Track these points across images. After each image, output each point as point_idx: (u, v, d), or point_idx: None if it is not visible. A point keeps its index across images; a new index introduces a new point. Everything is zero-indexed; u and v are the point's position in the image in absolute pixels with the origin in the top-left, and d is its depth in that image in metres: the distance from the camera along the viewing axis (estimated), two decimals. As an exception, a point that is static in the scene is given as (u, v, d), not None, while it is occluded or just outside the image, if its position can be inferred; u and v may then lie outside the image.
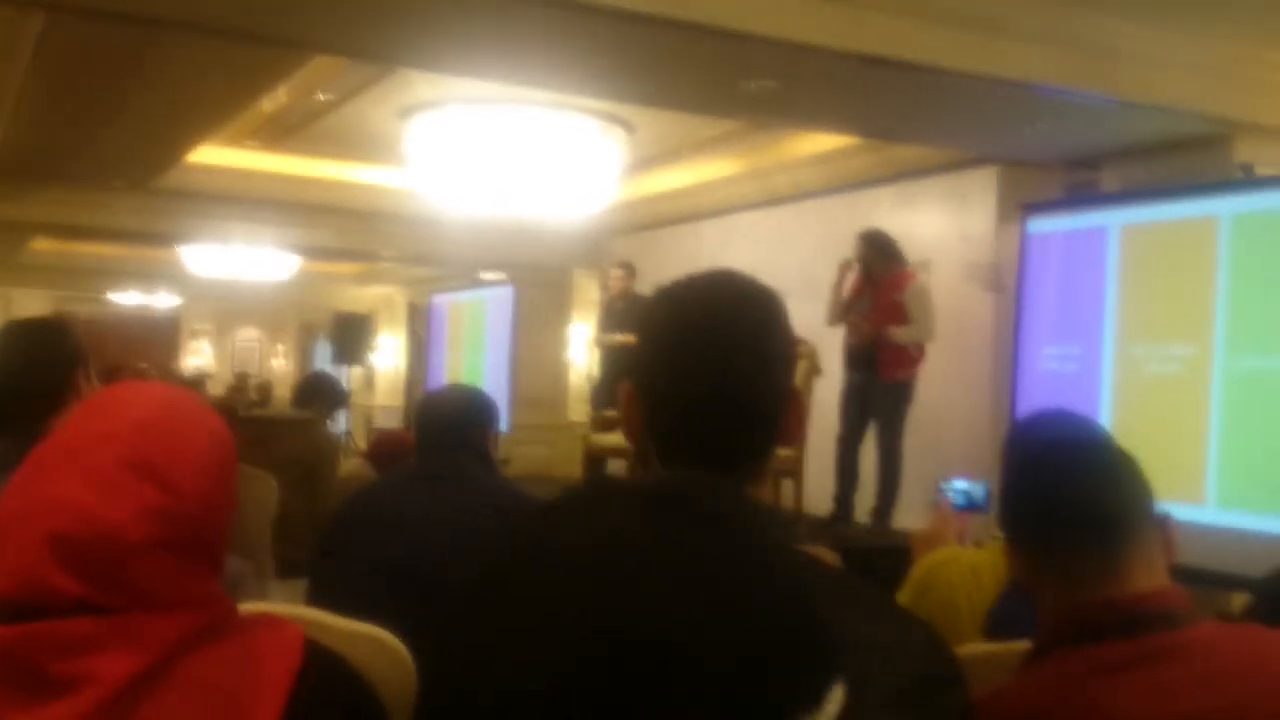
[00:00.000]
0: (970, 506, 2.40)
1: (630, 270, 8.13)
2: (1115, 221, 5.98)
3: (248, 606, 1.23)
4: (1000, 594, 2.00)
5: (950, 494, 2.37)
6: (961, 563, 2.03)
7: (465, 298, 12.68)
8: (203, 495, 1.11)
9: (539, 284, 11.15)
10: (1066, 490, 1.32)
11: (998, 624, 1.94)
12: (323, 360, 14.47)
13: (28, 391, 1.99)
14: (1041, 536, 1.33)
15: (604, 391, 7.87)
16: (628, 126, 7.54)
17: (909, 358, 5.97)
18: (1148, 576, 1.30)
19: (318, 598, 2.31)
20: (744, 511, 1.10)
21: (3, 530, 1.05)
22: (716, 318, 1.15)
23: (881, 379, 5.96)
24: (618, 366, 7.81)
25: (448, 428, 2.56)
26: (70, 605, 1.01)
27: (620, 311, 7.97)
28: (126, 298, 17.01)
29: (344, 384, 7.13)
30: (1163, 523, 1.34)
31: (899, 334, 5.92)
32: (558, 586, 0.60)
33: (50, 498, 1.06)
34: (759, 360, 1.14)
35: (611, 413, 7.91)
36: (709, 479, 1.07)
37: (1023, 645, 1.40)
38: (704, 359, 1.12)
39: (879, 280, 6.05)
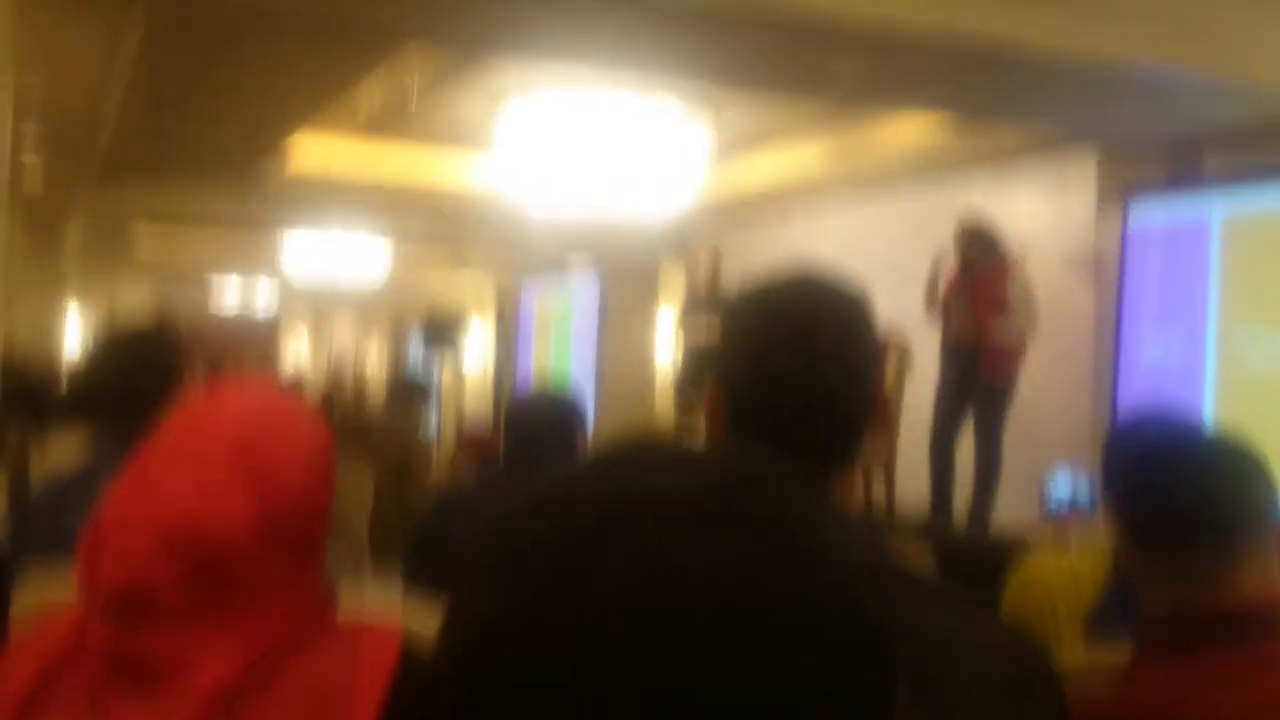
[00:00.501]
0: (1074, 501, 2.34)
1: (718, 254, 8.15)
2: (1219, 207, 5.79)
3: (350, 595, 1.24)
4: (1102, 592, 1.95)
5: (1053, 487, 2.33)
6: (1061, 567, 1.99)
7: (553, 291, 12.74)
8: (305, 493, 1.13)
9: (625, 273, 11.16)
10: (1183, 489, 1.28)
11: (1100, 627, 1.90)
12: (415, 355, 14.64)
13: (135, 393, 2.04)
14: (1151, 533, 1.29)
15: (690, 376, 7.90)
16: (715, 108, 7.48)
17: (1011, 356, 5.77)
18: (1261, 580, 1.25)
19: (411, 588, 2.35)
20: (818, 519, 1.09)
21: (112, 529, 1.07)
22: (802, 319, 1.14)
23: (982, 378, 5.80)
24: (702, 356, 7.83)
25: (535, 432, 2.60)
26: (177, 603, 1.03)
27: (702, 296, 8.04)
28: (226, 287, 17.41)
29: (434, 378, 7.27)
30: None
31: (1001, 330, 5.71)
32: (586, 641, 0.50)
33: (157, 497, 1.08)
34: (845, 363, 1.14)
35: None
36: (785, 476, 1.05)
37: (1120, 654, 1.36)
38: (789, 361, 1.12)
39: (977, 273, 5.86)
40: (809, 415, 1.11)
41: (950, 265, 5.96)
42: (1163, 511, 1.29)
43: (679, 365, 8.37)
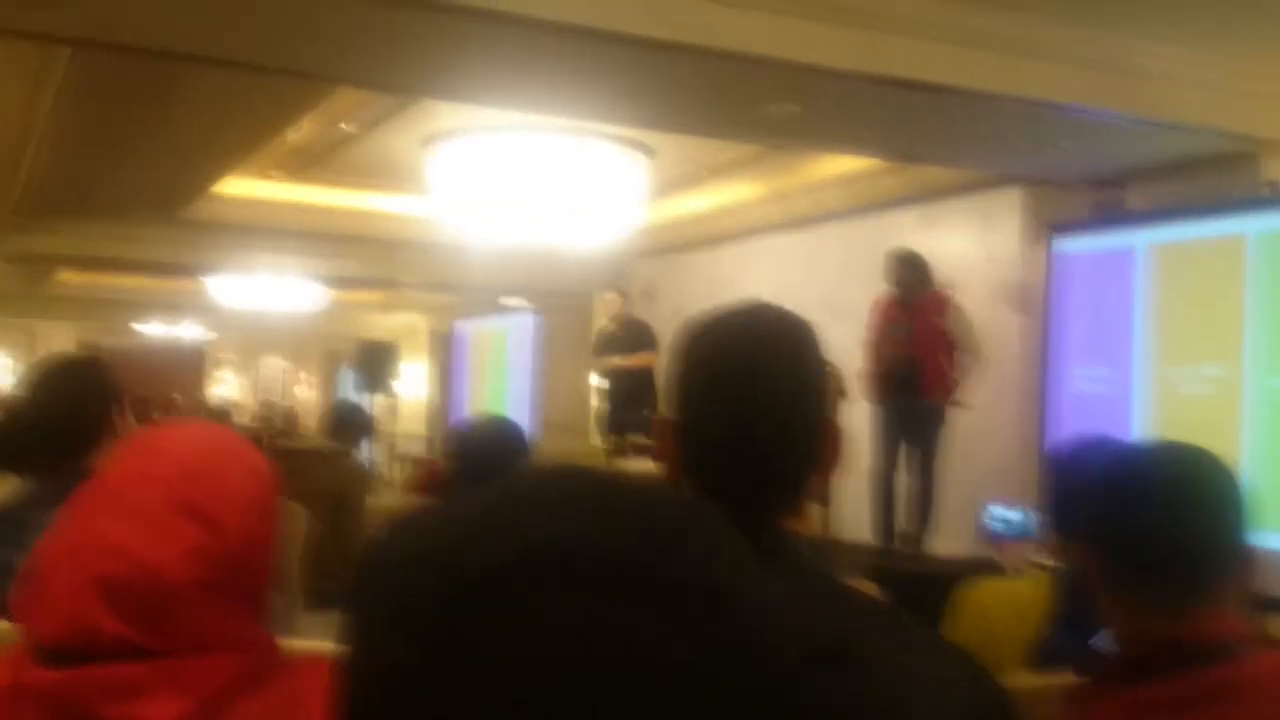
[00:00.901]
0: (1011, 533, 2.37)
1: (623, 293, 8.21)
2: (1143, 241, 5.94)
3: (286, 643, 1.22)
4: (1047, 625, 1.97)
5: (989, 520, 2.35)
6: (1001, 592, 2.01)
7: (488, 325, 12.71)
8: (248, 534, 1.11)
9: (561, 309, 11.16)
10: (1153, 519, 1.28)
11: (1046, 655, 1.92)
12: (347, 389, 14.51)
13: (67, 430, 2.01)
14: (1120, 562, 1.30)
15: (613, 417, 7.89)
16: (648, 151, 7.55)
17: (952, 379, 5.93)
18: (1217, 610, 1.27)
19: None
20: (788, 547, 1.09)
21: (50, 573, 1.05)
22: (750, 348, 1.15)
23: (925, 400, 5.91)
24: (619, 391, 7.86)
25: (486, 459, 2.57)
26: (118, 648, 1.01)
27: (613, 335, 8.03)
28: (152, 329, 17.12)
29: (369, 412, 7.14)
30: (1248, 554, 1.31)
31: (968, 365, 5.89)
32: (468, 711, 0.46)
33: (97, 540, 1.05)
34: (794, 390, 1.14)
35: (635, 438, 7.89)
36: (748, 513, 1.05)
37: (1068, 678, 1.37)
38: (739, 390, 1.12)
39: (914, 303, 6.01)
40: (761, 445, 1.11)
41: (883, 297, 6.11)
42: (1133, 542, 1.29)
43: (598, 405, 8.27)
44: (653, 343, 7.94)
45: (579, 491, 0.52)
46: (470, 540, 0.49)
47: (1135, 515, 1.30)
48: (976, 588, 2.05)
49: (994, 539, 2.38)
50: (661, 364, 7.67)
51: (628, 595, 0.46)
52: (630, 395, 7.76)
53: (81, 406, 2.04)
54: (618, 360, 7.85)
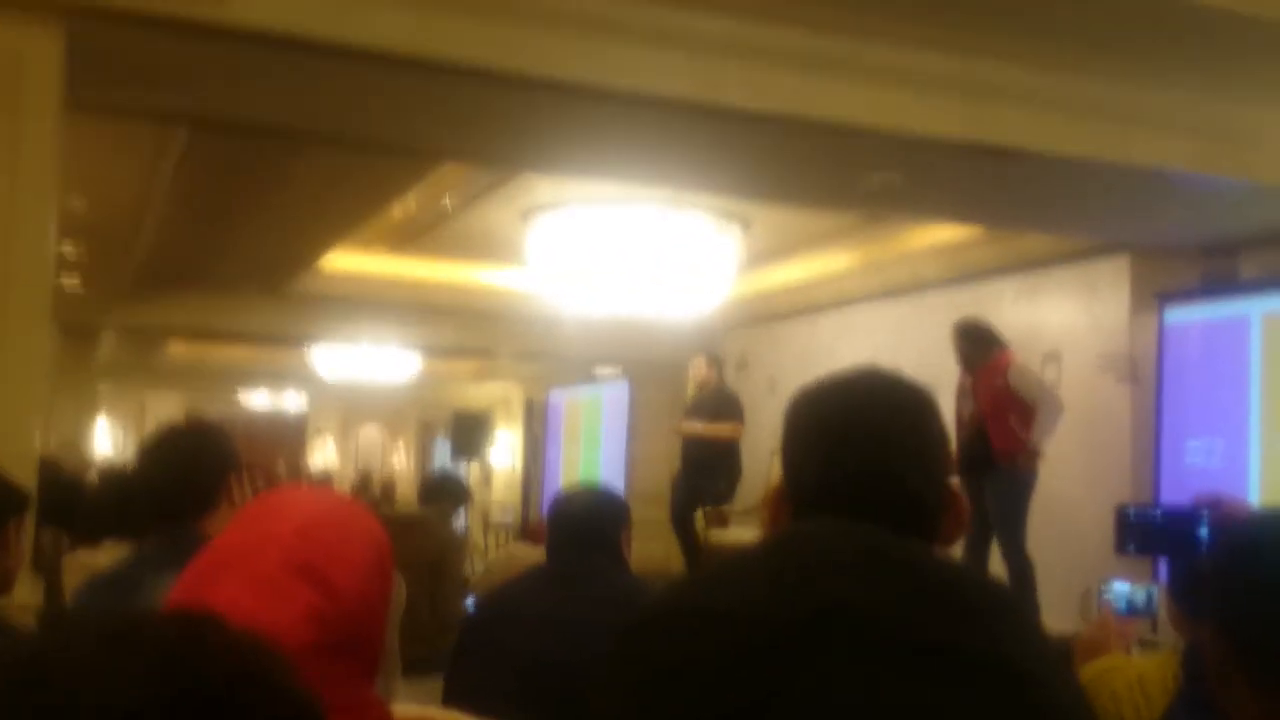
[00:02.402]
0: (1131, 612, 2.26)
1: (714, 360, 7.97)
2: (1257, 310, 5.76)
3: (399, 708, 1.21)
4: (1169, 705, 1.87)
5: (1111, 598, 2.25)
6: (1128, 673, 1.91)
7: (582, 394, 12.77)
8: (362, 597, 1.11)
9: (654, 379, 11.18)
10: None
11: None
12: (442, 457, 14.66)
13: (182, 493, 2.04)
14: (1255, 649, 1.22)
15: (684, 487, 7.56)
16: (744, 221, 7.57)
17: (1023, 438, 5.74)
18: None
19: (453, 698, 2.29)
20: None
21: (169, 635, 1.05)
22: (866, 412, 1.12)
23: (1000, 465, 5.75)
24: (694, 460, 7.57)
25: (581, 528, 2.54)
26: (234, 713, 1.00)
27: (700, 400, 7.77)
28: (255, 397, 17.56)
29: (464, 481, 7.17)
30: None
31: (1041, 425, 5.72)
32: None
33: (213, 602, 1.05)
34: (914, 455, 1.10)
35: (729, 508, 7.77)
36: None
37: None
38: (856, 455, 1.09)
39: (977, 372, 5.93)
40: (879, 512, 1.07)
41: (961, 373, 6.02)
42: (1270, 631, 1.21)
43: (675, 468, 7.95)
44: (738, 413, 7.68)
45: (868, 553, 0.49)
46: (758, 596, 0.47)
47: (1267, 602, 1.22)
48: (1100, 665, 1.96)
49: (1114, 614, 2.28)
50: (743, 436, 7.58)
51: (919, 665, 0.44)
52: (705, 466, 7.48)
53: (197, 470, 2.07)
54: (694, 426, 7.58)
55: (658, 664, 0.46)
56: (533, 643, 2.32)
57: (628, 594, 2.40)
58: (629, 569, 2.60)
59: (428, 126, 4.72)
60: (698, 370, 7.85)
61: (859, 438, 1.10)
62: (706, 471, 7.44)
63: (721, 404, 7.68)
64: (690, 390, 8.03)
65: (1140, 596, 2.24)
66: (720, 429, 7.55)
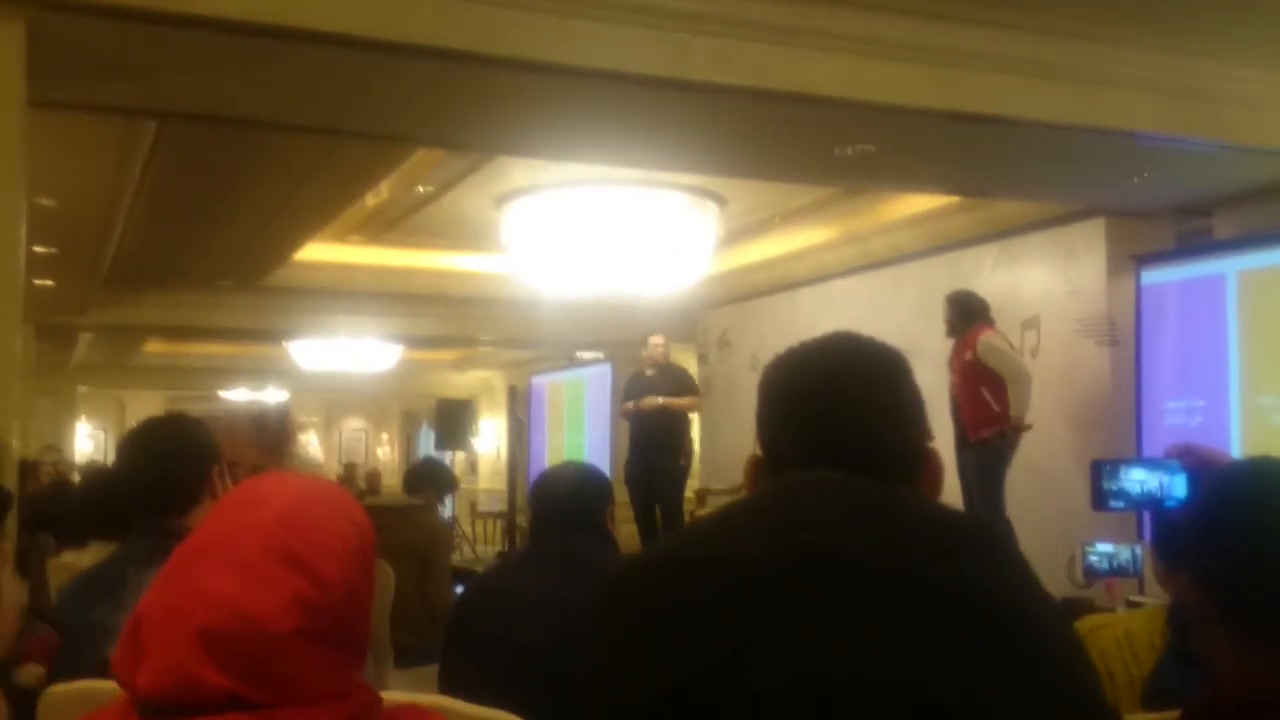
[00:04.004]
0: (1115, 571, 2.28)
1: (667, 340, 7.77)
2: (1232, 268, 5.79)
3: (387, 696, 1.20)
4: (1157, 661, 1.89)
5: (1094, 559, 2.26)
6: (1115, 629, 1.92)
7: (564, 377, 12.76)
8: (347, 584, 1.10)
9: (635, 360, 11.17)
10: (1260, 560, 1.20)
11: (1155, 691, 1.83)
12: (426, 447, 14.65)
13: (164, 488, 2.02)
14: (1233, 600, 1.22)
15: (634, 464, 7.37)
16: (719, 199, 7.56)
17: (990, 414, 5.77)
18: None
19: (448, 685, 2.28)
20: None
21: (152, 627, 1.04)
22: (836, 376, 1.11)
23: (970, 440, 5.79)
24: (650, 436, 7.36)
25: (564, 506, 2.51)
26: (220, 700, 1.00)
27: (650, 379, 7.57)
28: (236, 394, 17.48)
29: (449, 468, 7.11)
30: None
31: (1013, 397, 5.74)
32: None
33: (198, 593, 1.05)
34: (886, 418, 1.09)
35: (707, 488, 7.74)
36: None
37: (1177, 716, 1.29)
38: (828, 417, 1.08)
39: (956, 342, 5.98)
40: (859, 465, 1.07)
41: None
42: (1247, 581, 1.21)
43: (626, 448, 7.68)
44: (696, 387, 7.64)
45: (854, 499, 0.50)
46: (747, 543, 0.47)
47: (1245, 551, 1.22)
48: (1089, 624, 1.97)
49: (1096, 576, 2.29)
50: (701, 410, 7.46)
51: (907, 606, 0.44)
52: (661, 444, 7.28)
53: (179, 464, 2.05)
54: (660, 400, 7.36)
55: (649, 612, 0.46)
56: (524, 626, 2.29)
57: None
58: (616, 546, 2.58)
59: (398, 112, 4.68)
60: (656, 348, 7.65)
61: (835, 400, 1.09)
62: (663, 450, 7.28)
63: (680, 379, 7.62)
64: (646, 368, 7.71)
65: (1124, 555, 2.25)
66: (685, 402, 7.51)
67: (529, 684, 1.92)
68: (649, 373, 7.63)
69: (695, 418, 8.11)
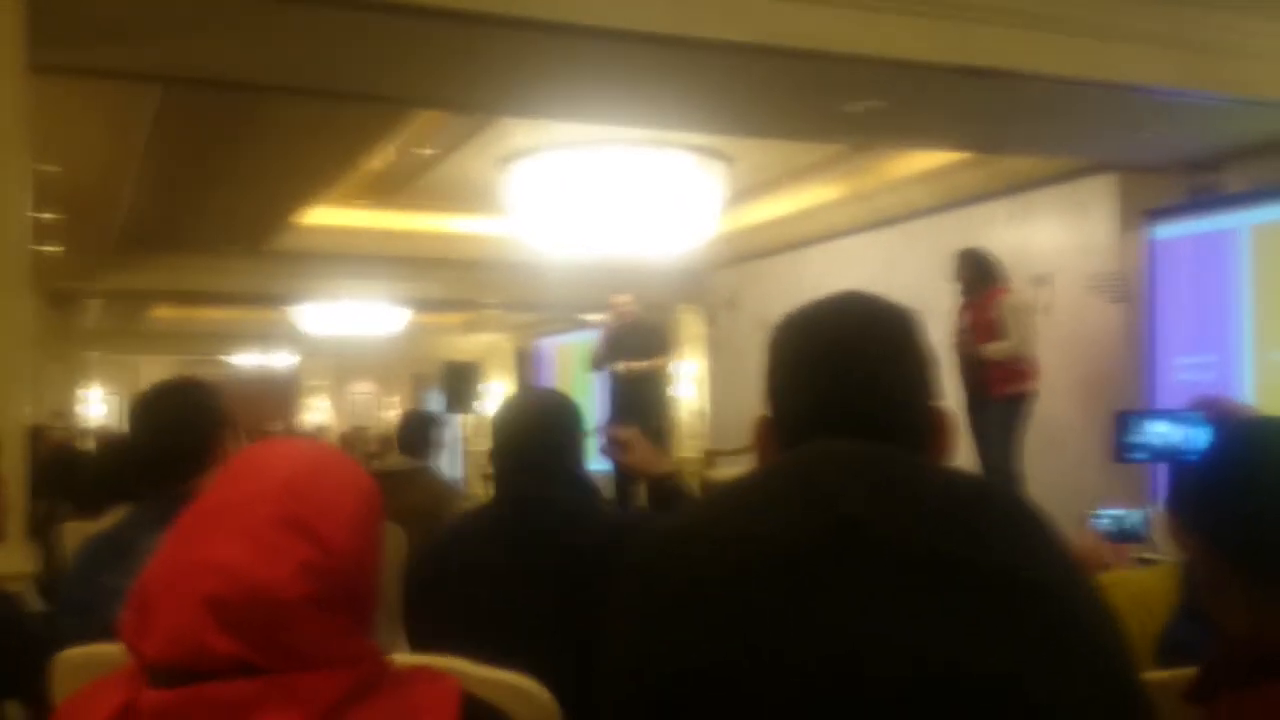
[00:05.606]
0: (1123, 536, 2.26)
1: (634, 298, 7.46)
2: (1244, 222, 5.75)
3: (399, 658, 1.20)
4: (1170, 617, 1.88)
5: (1102, 523, 2.24)
6: (1129, 586, 1.92)
7: (570, 340, 12.76)
8: (354, 549, 1.09)
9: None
10: (1265, 513, 1.19)
11: (1169, 647, 1.83)
12: (435, 407, 14.66)
13: (174, 452, 2.01)
14: (1245, 556, 1.21)
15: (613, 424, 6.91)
16: (727, 159, 7.51)
17: (1019, 372, 5.78)
18: None
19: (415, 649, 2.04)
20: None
21: (158, 593, 1.03)
22: (846, 335, 1.10)
23: (993, 396, 5.78)
24: (623, 399, 7.12)
25: (531, 447, 2.05)
26: (228, 666, 0.99)
27: (619, 338, 7.24)
28: (245, 359, 17.52)
29: (455, 429, 7.02)
30: None
31: (992, 350, 5.74)
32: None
33: (205, 559, 1.04)
34: (896, 377, 1.08)
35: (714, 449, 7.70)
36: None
37: (1190, 672, 1.29)
38: (840, 378, 1.08)
39: (975, 301, 5.94)
40: (873, 427, 1.05)
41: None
42: (1264, 533, 1.20)
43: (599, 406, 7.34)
44: (665, 346, 7.31)
45: (878, 470, 0.47)
46: (771, 517, 0.45)
47: (1253, 508, 1.21)
48: (1105, 584, 1.96)
49: (1110, 533, 2.29)
50: (671, 368, 7.25)
51: (935, 580, 0.42)
52: (638, 406, 6.91)
53: (189, 428, 2.04)
54: (629, 364, 7.07)
55: (673, 592, 0.45)
56: (491, 595, 1.95)
57: (601, 528, 2.00)
58: (594, 491, 2.19)
59: (401, 72, 4.65)
60: (626, 304, 7.33)
61: (847, 365, 1.08)
62: (641, 411, 6.86)
63: (651, 337, 7.29)
64: (614, 327, 7.38)
65: (1134, 519, 2.23)
66: (659, 364, 7.25)
67: (502, 656, 1.61)
68: (617, 331, 7.28)
69: (704, 382, 7.96)
